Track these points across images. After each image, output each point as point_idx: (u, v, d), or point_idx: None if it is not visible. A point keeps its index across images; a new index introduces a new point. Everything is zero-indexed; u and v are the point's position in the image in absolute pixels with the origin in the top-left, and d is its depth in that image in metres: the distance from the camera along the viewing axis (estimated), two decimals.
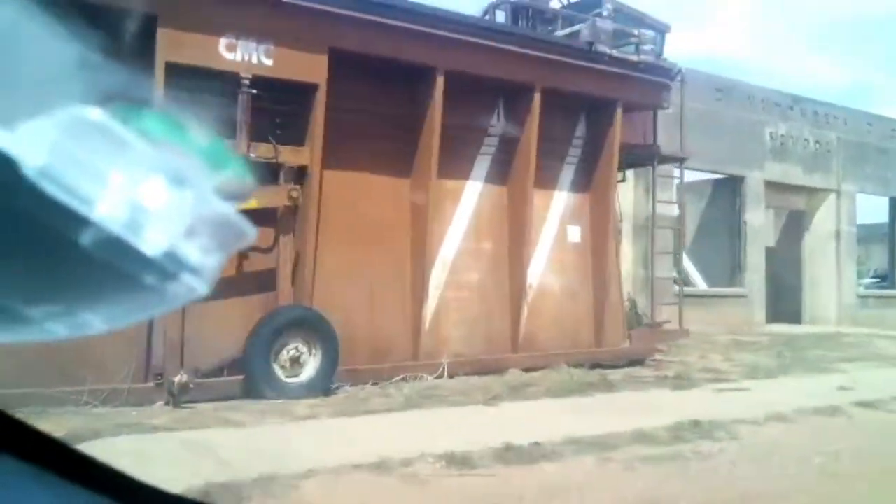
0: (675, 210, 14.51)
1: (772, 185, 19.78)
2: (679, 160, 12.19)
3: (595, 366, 9.50)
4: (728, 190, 19.64)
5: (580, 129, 10.71)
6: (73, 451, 0.75)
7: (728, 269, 19.49)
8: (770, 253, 22.96)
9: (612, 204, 10.65)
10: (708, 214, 20.32)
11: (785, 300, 21.70)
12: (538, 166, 9.68)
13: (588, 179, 10.64)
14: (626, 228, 17.72)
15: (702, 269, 20.05)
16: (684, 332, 11.56)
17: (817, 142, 20.76)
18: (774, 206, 21.57)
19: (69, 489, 0.70)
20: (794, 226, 22.12)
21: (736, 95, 19.21)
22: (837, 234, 21.13)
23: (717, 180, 19.91)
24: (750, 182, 19.18)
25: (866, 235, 34.30)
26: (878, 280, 29.27)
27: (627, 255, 17.61)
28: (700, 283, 19.31)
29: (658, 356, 11.10)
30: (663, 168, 12.79)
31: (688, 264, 19.81)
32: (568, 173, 10.60)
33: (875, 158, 22.09)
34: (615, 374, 9.15)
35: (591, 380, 8.49)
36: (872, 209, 27.26)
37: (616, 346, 10.11)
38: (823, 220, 21.27)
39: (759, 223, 19.41)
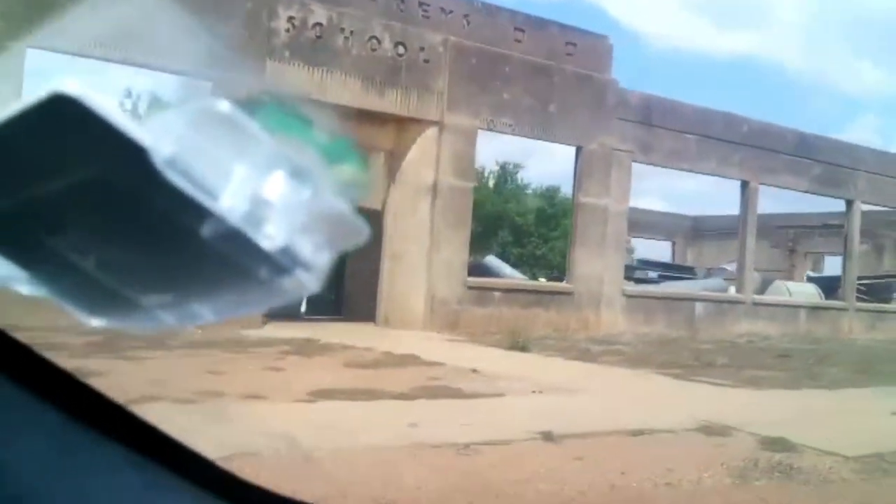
0: None
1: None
2: None
3: None
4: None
5: None
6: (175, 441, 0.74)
7: None
8: (370, 217, 15.60)
9: None
10: None
11: (372, 289, 14.45)
12: None
13: None
14: None
15: None
16: None
17: (401, 44, 13.37)
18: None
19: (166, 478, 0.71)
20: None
21: None
22: (434, 189, 13.73)
23: None
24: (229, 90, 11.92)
25: (727, 226, 26.57)
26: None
27: None
28: None
29: None
30: None
31: None
32: None
33: (528, 80, 14.60)
34: None
35: None
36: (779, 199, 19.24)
37: None
38: (417, 168, 13.90)
39: None
